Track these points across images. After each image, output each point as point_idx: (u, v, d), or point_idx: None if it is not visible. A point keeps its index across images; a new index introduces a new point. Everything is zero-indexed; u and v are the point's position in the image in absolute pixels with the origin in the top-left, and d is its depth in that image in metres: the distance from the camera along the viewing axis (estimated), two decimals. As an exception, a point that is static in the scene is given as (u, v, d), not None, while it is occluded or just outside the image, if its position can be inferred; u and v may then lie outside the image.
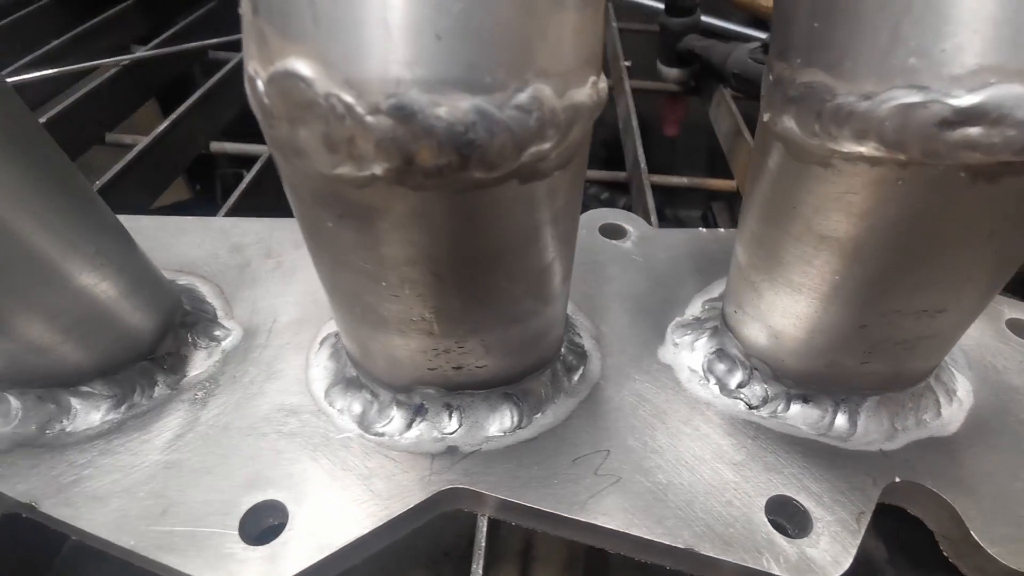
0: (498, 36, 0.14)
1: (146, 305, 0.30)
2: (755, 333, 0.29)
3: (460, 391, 0.29)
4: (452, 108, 0.14)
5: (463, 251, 0.19)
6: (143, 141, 0.54)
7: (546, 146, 0.16)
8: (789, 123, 0.20)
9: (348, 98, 0.14)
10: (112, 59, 0.66)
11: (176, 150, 0.58)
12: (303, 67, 0.14)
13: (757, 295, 0.27)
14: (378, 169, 0.15)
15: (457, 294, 0.21)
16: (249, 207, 0.49)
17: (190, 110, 0.60)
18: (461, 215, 0.17)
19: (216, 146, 0.62)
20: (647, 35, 0.85)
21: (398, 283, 0.20)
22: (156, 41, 0.74)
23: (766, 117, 0.22)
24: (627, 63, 0.74)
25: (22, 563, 0.30)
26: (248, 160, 0.58)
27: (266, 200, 0.50)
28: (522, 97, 0.15)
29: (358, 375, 0.30)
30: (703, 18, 0.75)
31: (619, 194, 0.92)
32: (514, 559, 0.51)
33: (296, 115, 0.15)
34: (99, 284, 0.27)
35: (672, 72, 0.76)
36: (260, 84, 0.15)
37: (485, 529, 0.28)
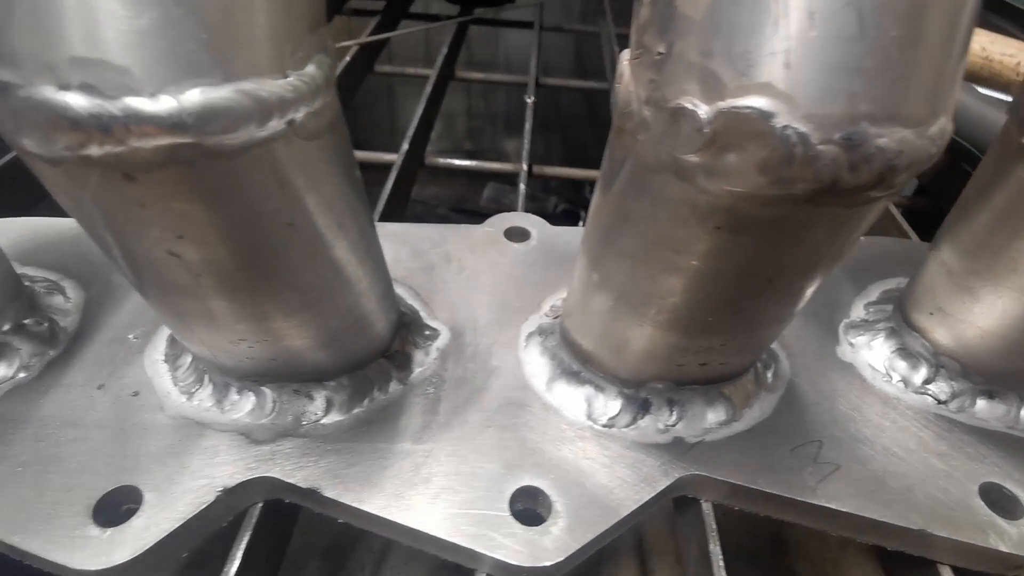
0: (924, 79, 0.16)
1: (390, 306, 0.32)
2: (956, 333, 0.32)
3: (685, 386, 0.31)
4: (890, 138, 0.16)
5: (811, 259, 0.21)
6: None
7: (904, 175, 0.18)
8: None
9: (804, 129, 0.16)
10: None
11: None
12: (764, 103, 0.16)
13: (972, 299, 0.30)
14: (799, 188, 0.18)
15: (774, 297, 0.23)
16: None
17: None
18: (836, 227, 0.20)
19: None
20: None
21: (747, 288, 0.22)
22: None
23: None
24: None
25: (273, 550, 0.32)
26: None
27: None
28: (933, 130, 0.17)
29: (580, 370, 0.33)
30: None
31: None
32: (631, 552, 0.54)
33: (736, 143, 0.17)
34: (373, 288, 0.29)
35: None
36: (702, 114, 0.17)
37: (713, 514, 0.31)
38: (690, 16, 0.17)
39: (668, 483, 0.29)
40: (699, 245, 0.21)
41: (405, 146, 0.60)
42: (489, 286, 0.40)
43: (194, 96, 0.16)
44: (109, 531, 0.26)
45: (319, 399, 0.31)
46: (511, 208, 0.50)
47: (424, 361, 0.35)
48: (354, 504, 0.28)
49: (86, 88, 0.15)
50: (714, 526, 0.30)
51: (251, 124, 0.18)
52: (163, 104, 0.16)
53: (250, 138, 0.18)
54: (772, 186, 0.18)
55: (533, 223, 0.45)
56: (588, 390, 0.32)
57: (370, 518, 0.28)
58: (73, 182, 0.18)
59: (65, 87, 0.15)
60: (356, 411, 0.32)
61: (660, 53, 0.18)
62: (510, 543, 0.27)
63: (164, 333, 0.35)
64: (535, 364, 0.35)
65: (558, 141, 1.44)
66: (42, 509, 0.27)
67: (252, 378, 0.31)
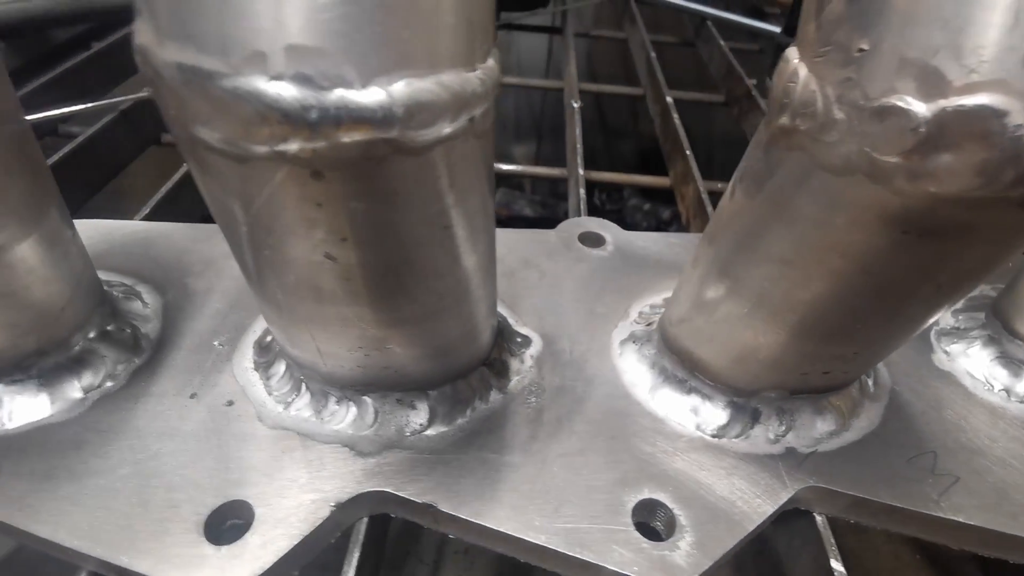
0: None
1: (494, 313, 0.31)
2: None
3: (797, 396, 0.31)
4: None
5: (988, 263, 0.20)
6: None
7: None
8: None
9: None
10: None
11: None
12: (997, 101, 0.16)
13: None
14: (1018, 192, 0.17)
15: (934, 303, 0.23)
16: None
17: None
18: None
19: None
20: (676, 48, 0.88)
21: (913, 294, 0.21)
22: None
23: None
24: (753, 81, 0.76)
25: (376, 567, 0.31)
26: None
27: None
28: None
29: (687, 378, 0.32)
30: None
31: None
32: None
33: (954, 143, 0.17)
34: (489, 294, 0.28)
35: (783, 90, 0.79)
36: (918, 113, 0.17)
37: (829, 527, 0.30)
38: (907, 11, 0.16)
39: (789, 495, 0.29)
40: (876, 250, 0.20)
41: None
42: (572, 292, 0.39)
43: (401, 88, 0.15)
44: (224, 549, 0.25)
45: (422, 409, 0.30)
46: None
47: (520, 369, 0.34)
48: (472, 519, 0.27)
49: (299, 79, 0.14)
50: (833, 541, 0.29)
51: (446, 119, 0.17)
52: (373, 96, 0.15)
53: (439, 134, 0.17)
54: (986, 188, 0.17)
55: (606, 228, 0.44)
56: (694, 399, 0.32)
57: (489, 533, 0.27)
58: (251, 179, 0.17)
59: (278, 77, 0.14)
60: (459, 421, 0.31)
61: (861, 49, 0.18)
62: (641, 559, 0.26)
63: (250, 340, 0.34)
64: (634, 372, 0.34)
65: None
66: (149, 526, 0.25)
67: (355, 387, 0.29)
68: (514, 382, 0.33)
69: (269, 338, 0.33)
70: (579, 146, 0.61)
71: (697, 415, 0.31)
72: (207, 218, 0.54)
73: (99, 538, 0.25)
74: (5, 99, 0.23)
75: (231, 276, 0.38)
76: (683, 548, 0.26)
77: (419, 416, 0.30)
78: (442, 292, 0.24)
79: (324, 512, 0.26)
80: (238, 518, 0.26)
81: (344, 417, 0.30)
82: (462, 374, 0.31)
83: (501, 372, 0.33)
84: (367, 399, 0.30)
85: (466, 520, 0.27)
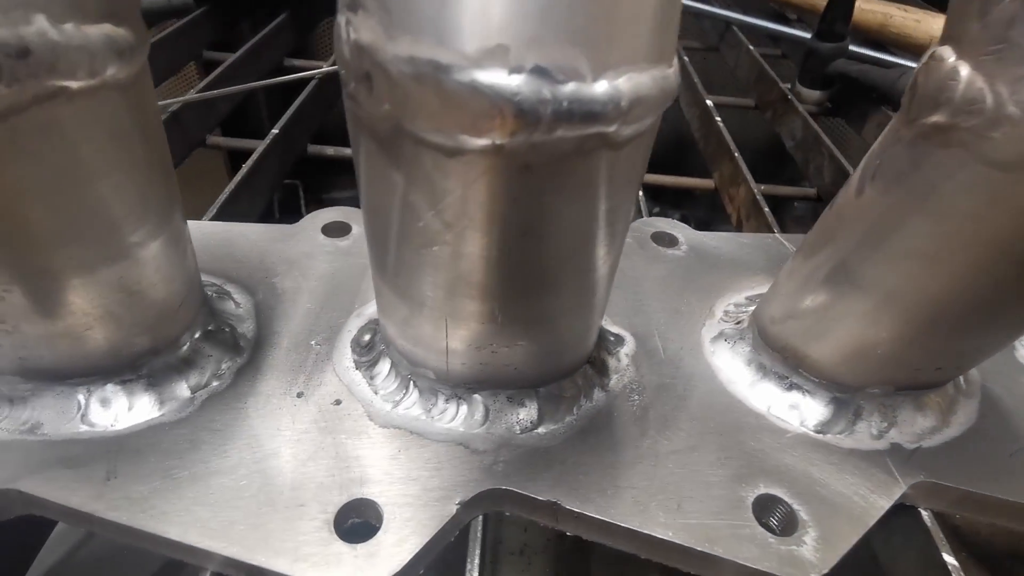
0: None
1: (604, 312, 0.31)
2: None
3: (900, 392, 0.31)
4: None
5: None
6: (258, 147, 0.55)
7: None
8: None
9: None
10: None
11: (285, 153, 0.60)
12: None
13: None
14: None
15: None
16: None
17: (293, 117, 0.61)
18: None
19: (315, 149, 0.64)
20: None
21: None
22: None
23: None
24: (787, 86, 0.77)
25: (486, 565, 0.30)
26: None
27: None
28: None
29: (788, 374, 0.32)
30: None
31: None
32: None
33: None
34: (608, 290, 0.28)
35: (814, 94, 0.80)
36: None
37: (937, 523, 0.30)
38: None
39: (903, 490, 0.29)
40: (1034, 243, 0.21)
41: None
42: (653, 291, 0.39)
43: (625, 83, 0.15)
44: (360, 547, 0.25)
45: (532, 407, 0.30)
46: None
47: (618, 368, 0.34)
48: (597, 515, 0.27)
49: (537, 72, 0.15)
50: (942, 535, 0.29)
51: (652, 114, 0.17)
52: (603, 90, 0.15)
53: (643, 129, 0.17)
54: None
55: (676, 228, 0.44)
56: (795, 395, 0.32)
57: (613, 529, 0.27)
58: (455, 174, 0.17)
59: (517, 70, 0.14)
60: (568, 419, 0.31)
61: (1041, 47, 0.18)
62: (770, 555, 0.26)
63: (346, 339, 0.33)
64: (731, 369, 0.34)
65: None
66: (280, 525, 0.25)
67: (468, 385, 0.29)
68: (614, 380, 0.33)
69: (367, 337, 0.33)
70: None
71: (799, 411, 0.32)
72: (264, 218, 0.54)
73: (231, 538, 0.25)
74: (153, 101, 0.23)
75: (316, 276, 0.37)
76: (809, 543, 0.26)
77: (529, 414, 0.30)
78: (585, 288, 0.24)
79: (451, 510, 0.26)
80: (365, 516, 0.26)
81: (455, 415, 0.30)
82: (568, 372, 0.31)
83: (602, 371, 0.33)
84: (477, 397, 0.30)
85: (590, 516, 0.27)
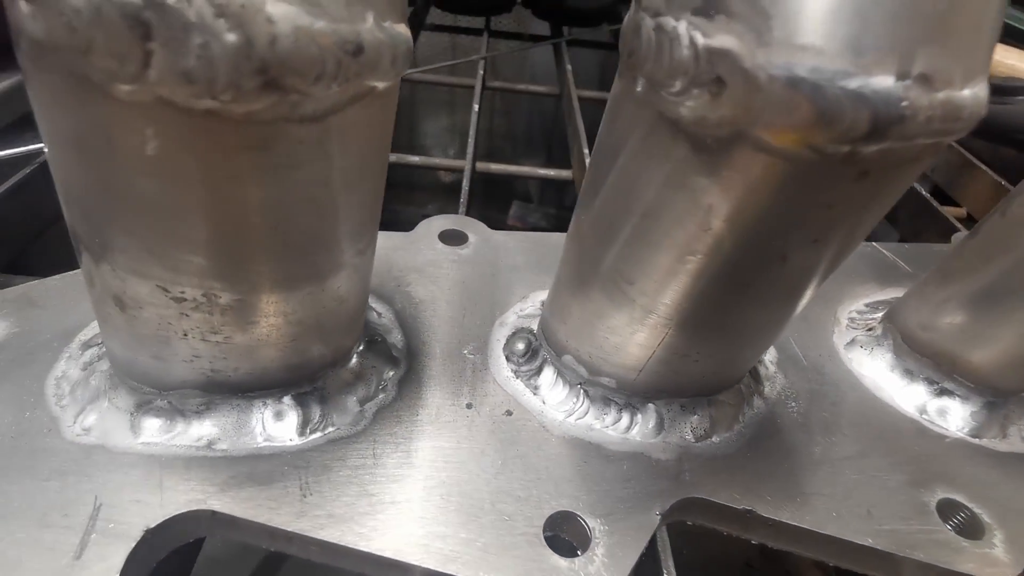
0: None
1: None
2: None
3: (1044, 395, 0.32)
4: None
5: None
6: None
7: None
8: None
9: None
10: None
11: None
12: None
13: None
14: None
15: None
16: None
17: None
18: None
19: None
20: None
21: None
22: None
23: None
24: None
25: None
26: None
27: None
28: None
29: (939, 380, 0.33)
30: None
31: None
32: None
33: None
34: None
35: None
36: None
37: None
38: None
39: (1068, 492, 0.30)
40: None
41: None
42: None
43: (980, 90, 0.16)
44: (577, 561, 0.24)
45: (704, 415, 0.30)
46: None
47: (768, 375, 0.34)
48: (793, 522, 0.27)
49: (921, 79, 0.15)
50: None
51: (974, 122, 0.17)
52: (969, 97, 0.15)
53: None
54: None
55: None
56: (946, 400, 0.32)
57: (808, 536, 0.27)
58: (789, 179, 0.17)
59: (903, 76, 0.15)
60: (737, 427, 0.31)
61: None
62: (965, 558, 0.26)
63: (498, 349, 0.33)
64: (875, 375, 0.34)
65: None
66: (492, 539, 0.24)
67: (646, 394, 0.29)
68: (767, 387, 0.33)
69: (520, 345, 0.32)
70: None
71: (952, 415, 0.32)
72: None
73: (447, 554, 0.24)
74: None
75: (448, 285, 0.37)
76: (999, 545, 0.27)
77: (702, 422, 0.30)
78: (806, 294, 0.24)
79: (653, 520, 0.26)
80: (571, 529, 0.26)
81: (630, 424, 0.29)
82: (740, 379, 0.31)
83: (757, 378, 0.33)
84: (651, 406, 0.30)
85: (785, 524, 0.27)
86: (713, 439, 0.30)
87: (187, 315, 0.21)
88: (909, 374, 0.34)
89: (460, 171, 0.58)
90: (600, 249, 0.24)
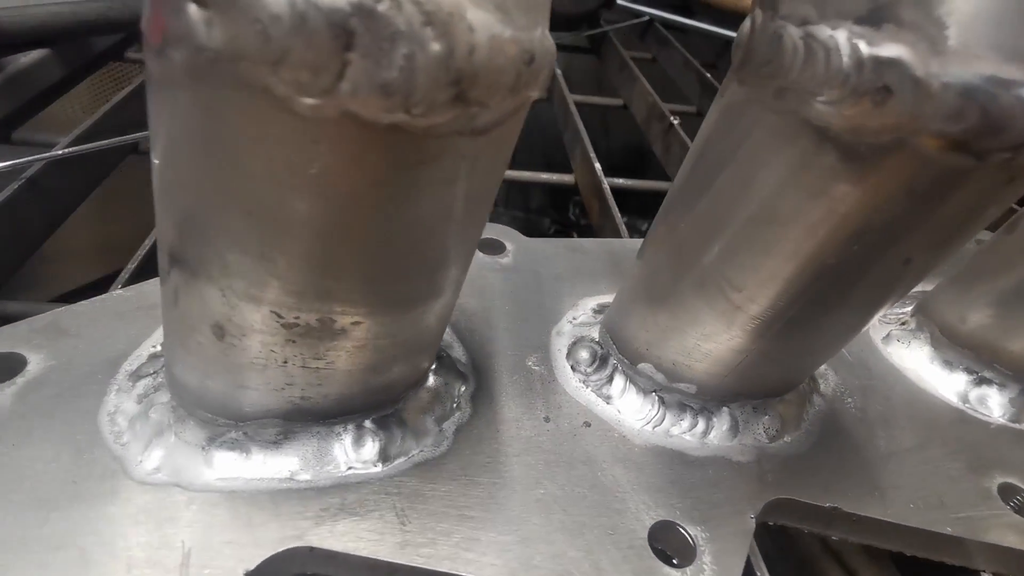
0: None
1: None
2: None
3: (1078, 379, 0.34)
4: None
5: None
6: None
7: None
8: None
9: None
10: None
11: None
12: None
13: None
14: None
15: None
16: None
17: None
18: None
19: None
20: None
21: None
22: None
23: None
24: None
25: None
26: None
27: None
28: None
29: (978, 369, 0.34)
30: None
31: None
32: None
33: None
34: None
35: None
36: None
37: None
38: None
39: (1108, 469, 0.32)
40: None
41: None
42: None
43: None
44: (687, 571, 0.24)
45: (775, 416, 0.30)
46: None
47: (820, 372, 0.35)
48: (878, 517, 0.27)
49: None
50: None
51: None
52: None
53: None
54: None
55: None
56: (985, 388, 0.34)
57: (890, 529, 0.28)
58: (935, 186, 0.17)
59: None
60: (804, 426, 0.31)
61: None
62: (1032, 539, 0.28)
63: (560, 358, 0.32)
64: (917, 368, 0.36)
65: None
66: (604, 556, 0.24)
67: (723, 397, 0.29)
68: (822, 385, 0.34)
69: (584, 354, 0.32)
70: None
71: (993, 402, 0.34)
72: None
73: (563, 573, 0.23)
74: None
75: (496, 295, 0.36)
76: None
77: (773, 423, 0.30)
78: (898, 298, 0.24)
79: (749, 524, 0.26)
80: (671, 538, 0.26)
81: (707, 429, 0.29)
82: (805, 380, 0.32)
83: (812, 376, 0.34)
84: (725, 409, 0.30)
85: (870, 519, 0.28)
86: (785, 439, 0.30)
87: (293, 341, 0.20)
88: (949, 365, 0.35)
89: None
90: (702, 256, 0.24)
